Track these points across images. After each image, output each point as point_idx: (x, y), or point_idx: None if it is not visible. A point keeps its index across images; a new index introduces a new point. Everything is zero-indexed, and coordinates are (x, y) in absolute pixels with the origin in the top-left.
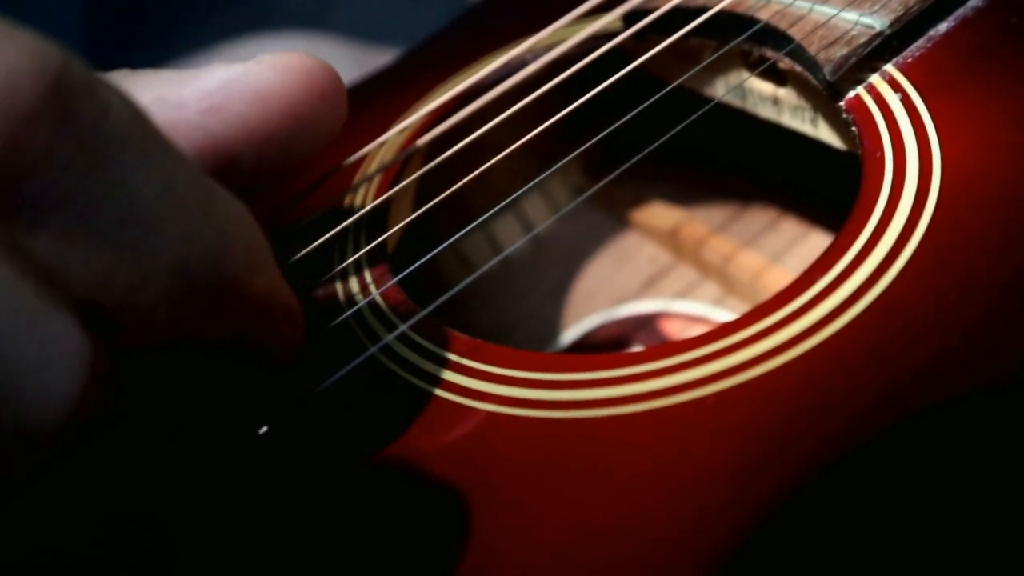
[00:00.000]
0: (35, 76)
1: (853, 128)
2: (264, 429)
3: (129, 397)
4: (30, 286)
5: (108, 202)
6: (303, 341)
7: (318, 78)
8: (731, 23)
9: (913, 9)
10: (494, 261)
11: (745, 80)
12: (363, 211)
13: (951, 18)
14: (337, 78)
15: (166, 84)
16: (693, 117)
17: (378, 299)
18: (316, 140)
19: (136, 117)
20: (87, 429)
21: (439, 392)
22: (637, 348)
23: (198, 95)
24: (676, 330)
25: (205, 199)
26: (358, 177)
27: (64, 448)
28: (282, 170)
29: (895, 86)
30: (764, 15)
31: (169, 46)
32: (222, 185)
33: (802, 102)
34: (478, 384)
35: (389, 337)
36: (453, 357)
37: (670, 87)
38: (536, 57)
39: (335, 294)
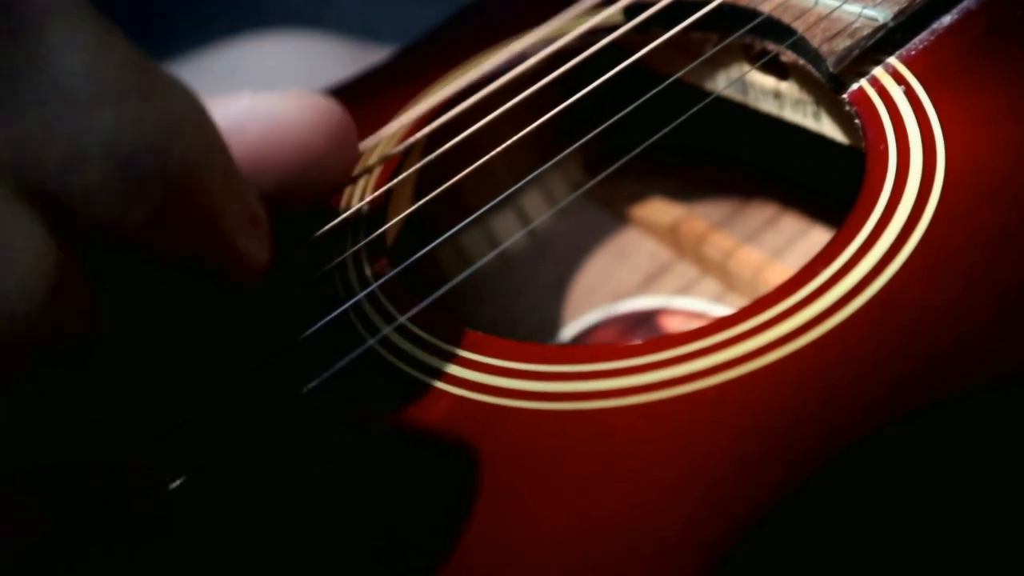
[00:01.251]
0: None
1: (856, 121)
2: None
3: (115, 333)
4: None
5: (32, 75)
6: (268, 258)
7: (334, 119)
8: (733, 16)
9: (916, 2)
10: (492, 254)
11: (747, 73)
12: (362, 203)
13: (955, 11)
14: (351, 123)
15: None
16: (693, 110)
17: (377, 291)
18: (325, 179)
19: None
20: (64, 345)
21: (438, 384)
22: None
23: (225, 113)
24: (676, 326)
25: (145, 80)
26: (357, 170)
27: (36, 362)
28: (289, 203)
29: (899, 79)
30: (766, 8)
31: (168, 42)
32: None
33: (804, 96)
34: (478, 376)
35: (388, 329)
36: (453, 349)
37: (670, 80)
38: (536, 51)
39: (334, 286)
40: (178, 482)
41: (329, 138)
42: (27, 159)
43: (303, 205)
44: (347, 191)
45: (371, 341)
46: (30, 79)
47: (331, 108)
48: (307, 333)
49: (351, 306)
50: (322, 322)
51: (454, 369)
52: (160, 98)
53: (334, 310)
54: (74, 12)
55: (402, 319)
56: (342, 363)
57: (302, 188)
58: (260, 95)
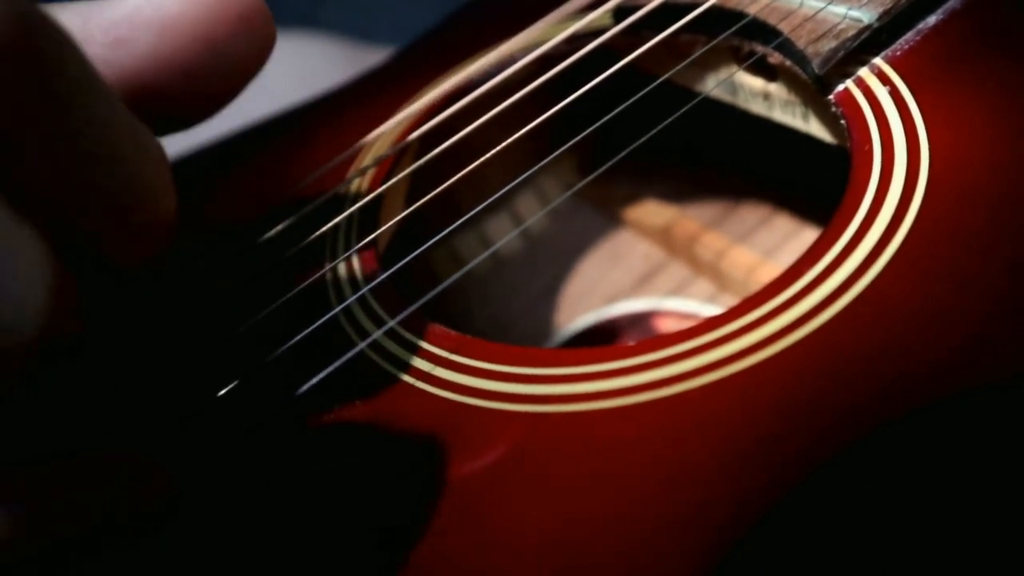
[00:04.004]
0: (5, 18)
1: (842, 122)
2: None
3: (97, 337)
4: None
5: (63, 140)
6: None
7: (231, 1)
8: (720, 17)
9: (902, 2)
10: (484, 255)
11: (734, 74)
12: (354, 207)
13: (940, 11)
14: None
15: (72, 18)
16: (683, 110)
17: (368, 295)
18: (239, 65)
19: (82, 59)
20: (56, 352)
21: (428, 388)
22: None
23: (104, 27)
24: (669, 327)
25: (133, 134)
26: (351, 173)
27: (33, 368)
28: (207, 99)
29: (884, 79)
30: (753, 9)
31: None
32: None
33: (793, 97)
34: (466, 379)
35: (378, 333)
36: (442, 353)
37: (659, 80)
38: (526, 54)
39: (326, 290)
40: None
41: (229, 23)
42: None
43: (224, 101)
44: (341, 194)
45: (361, 345)
46: (63, 143)
47: None
48: (298, 337)
49: (342, 310)
50: (312, 326)
51: (443, 373)
52: (142, 148)
53: (326, 314)
54: (93, 81)
55: (392, 323)
56: (332, 368)
57: (213, 84)
58: None
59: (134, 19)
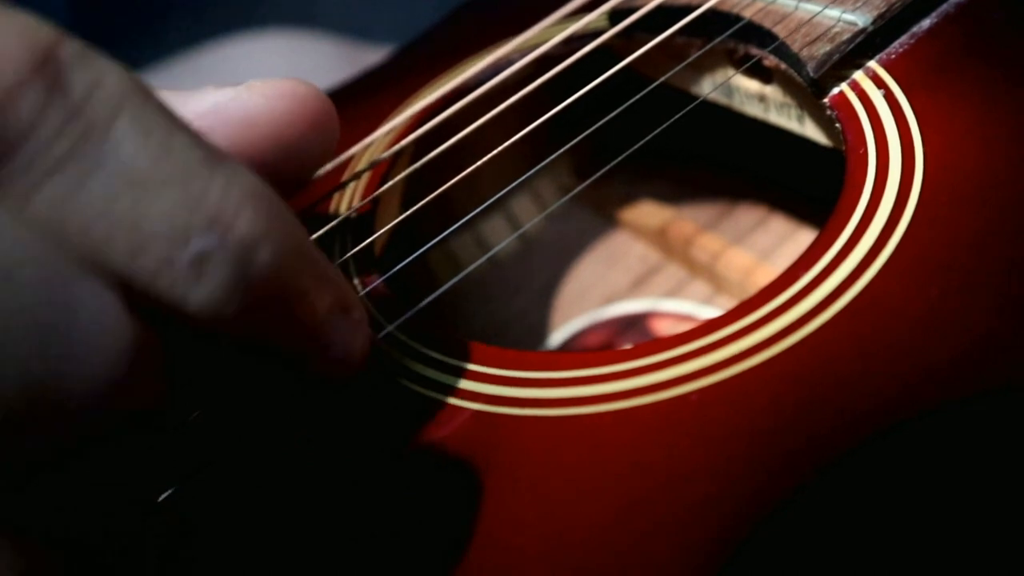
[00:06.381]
0: (23, 50)
1: (837, 125)
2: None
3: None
4: (55, 250)
5: (101, 167)
6: (366, 351)
7: (308, 104)
8: (715, 21)
9: (896, 6)
10: (482, 260)
11: (731, 78)
12: (350, 211)
13: (934, 14)
14: (328, 103)
15: None
16: (679, 115)
17: (365, 300)
18: (305, 166)
19: (133, 88)
20: (134, 416)
21: (426, 391)
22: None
23: (189, 118)
24: (666, 329)
25: (208, 164)
26: (346, 176)
27: (105, 429)
28: None
29: (878, 82)
30: (748, 13)
31: (156, 42)
32: (238, 160)
33: (788, 99)
34: (465, 383)
35: (376, 338)
36: (440, 357)
37: (655, 83)
38: (522, 56)
39: None
40: (169, 492)
41: (303, 125)
42: (99, 243)
43: (284, 196)
44: (335, 198)
45: None
46: (100, 170)
47: (302, 91)
48: None
49: None
50: None
51: (441, 376)
52: (222, 179)
53: None
54: (140, 106)
55: (389, 328)
56: None
57: (279, 182)
58: (224, 90)
59: (220, 112)
